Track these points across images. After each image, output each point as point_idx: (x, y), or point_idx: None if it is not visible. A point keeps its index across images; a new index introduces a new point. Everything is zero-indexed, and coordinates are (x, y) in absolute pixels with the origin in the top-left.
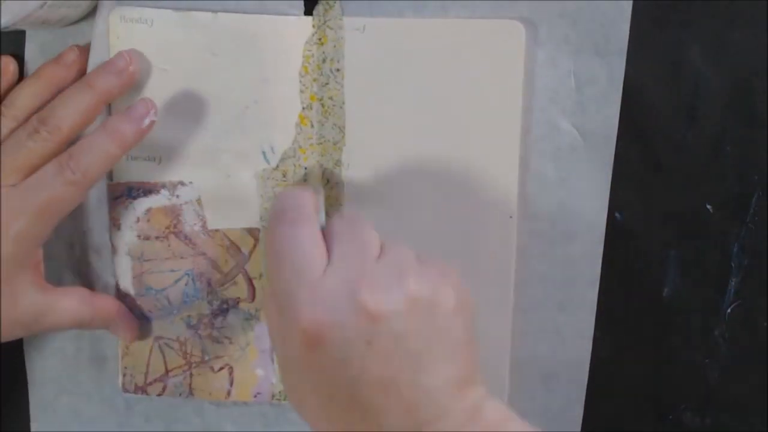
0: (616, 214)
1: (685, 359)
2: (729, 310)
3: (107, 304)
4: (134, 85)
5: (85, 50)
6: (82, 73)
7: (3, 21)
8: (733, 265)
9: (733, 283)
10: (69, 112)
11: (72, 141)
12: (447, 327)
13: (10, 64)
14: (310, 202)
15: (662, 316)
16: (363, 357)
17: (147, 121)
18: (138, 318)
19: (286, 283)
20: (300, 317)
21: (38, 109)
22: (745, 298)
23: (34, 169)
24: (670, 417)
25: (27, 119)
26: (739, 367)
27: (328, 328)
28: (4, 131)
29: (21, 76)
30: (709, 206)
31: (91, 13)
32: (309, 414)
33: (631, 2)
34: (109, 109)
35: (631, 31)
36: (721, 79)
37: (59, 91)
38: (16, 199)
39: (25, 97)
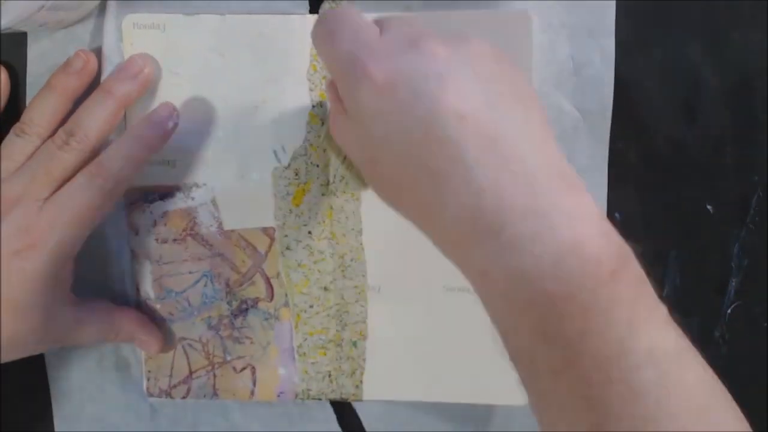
0: (616, 214)
1: None
2: (729, 311)
3: (131, 317)
4: (149, 86)
5: (91, 53)
6: (92, 77)
7: (3, 23)
8: (733, 265)
9: (733, 283)
10: (94, 121)
11: (99, 149)
12: (512, 76)
13: (1, 73)
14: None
15: None
16: (436, 90)
17: (170, 124)
18: (161, 327)
19: (347, 51)
20: (368, 70)
21: (58, 122)
22: (745, 299)
23: (66, 181)
24: None
25: (50, 134)
26: (739, 367)
27: (397, 72)
28: (31, 149)
29: (22, 79)
30: (709, 206)
31: (90, 15)
32: (386, 171)
33: None
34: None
35: (631, 31)
36: (721, 79)
37: (75, 101)
38: (50, 212)
39: (43, 113)
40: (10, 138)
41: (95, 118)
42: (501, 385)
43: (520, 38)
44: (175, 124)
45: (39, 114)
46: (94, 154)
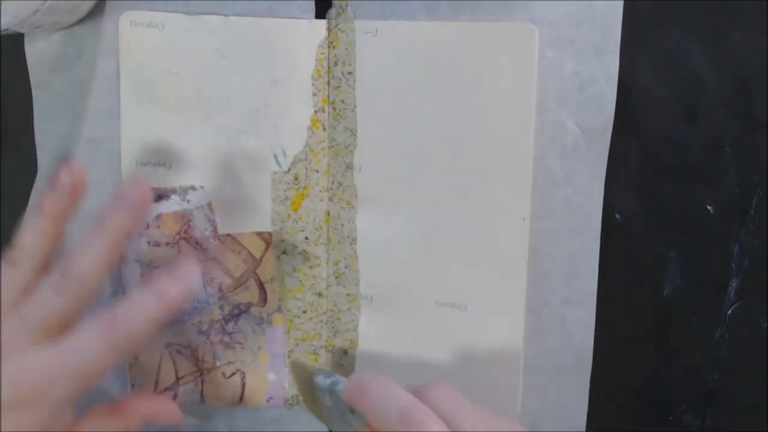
0: (616, 215)
1: (685, 360)
2: (729, 312)
3: (138, 408)
4: (147, 217)
5: (79, 167)
6: (82, 195)
7: (2, 23)
8: (733, 266)
9: (733, 284)
10: (90, 262)
11: (96, 289)
12: None
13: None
14: None
15: (662, 316)
16: None
17: (194, 283)
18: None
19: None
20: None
21: (50, 247)
22: (745, 300)
23: (63, 324)
24: (670, 417)
25: (43, 263)
26: (739, 367)
27: None
28: (25, 283)
29: (21, 80)
30: (709, 207)
31: (87, 16)
32: None
33: (621, 2)
34: None
35: (631, 31)
36: (721, 79)
37: (64, 223)
38: (54, 362)
39: (34, 240)
40: (4, 270)
41: (91, 258)
42: (490, 405)
43: (524, 51)
44: (197, 282)
45: (30, 241)
46: (91, 294)
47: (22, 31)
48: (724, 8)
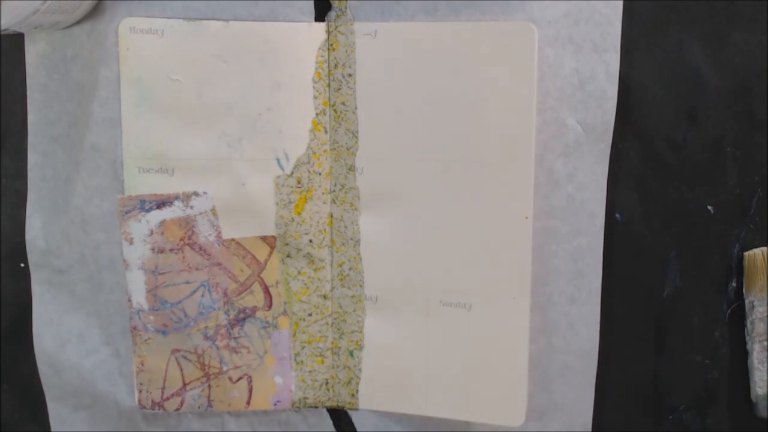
0: (617, 215)
1: (685, 359)
2: (729, 311)
3: None
4: None
5: None
6: None
7: (2, 23)
8: (733, 266)
9: (733, 284)
10: None
11: None
12: None
13: None
14: None
15: (662, 316)
16: None
17: None
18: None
19: None
20: None
21: None
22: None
23: None
24: (670, 417)
25: None
26: (739, 367)
27: None
28: None
29: (21, 81)
30: (709, 206)
31: (87, 17)
32: None
33: (621, 1)
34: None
35: (631, 31)
36: (721, 79)
37: None
38: None
39: None
40: None
41: None
42: (496, 405)
43: (524, 50)
44: None
45: None
46: None
47: (22, 30)
48: (724, 8)
